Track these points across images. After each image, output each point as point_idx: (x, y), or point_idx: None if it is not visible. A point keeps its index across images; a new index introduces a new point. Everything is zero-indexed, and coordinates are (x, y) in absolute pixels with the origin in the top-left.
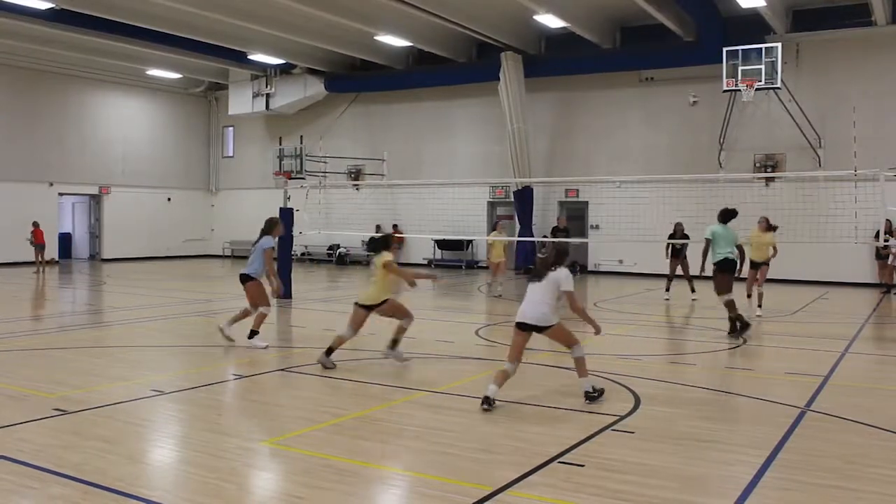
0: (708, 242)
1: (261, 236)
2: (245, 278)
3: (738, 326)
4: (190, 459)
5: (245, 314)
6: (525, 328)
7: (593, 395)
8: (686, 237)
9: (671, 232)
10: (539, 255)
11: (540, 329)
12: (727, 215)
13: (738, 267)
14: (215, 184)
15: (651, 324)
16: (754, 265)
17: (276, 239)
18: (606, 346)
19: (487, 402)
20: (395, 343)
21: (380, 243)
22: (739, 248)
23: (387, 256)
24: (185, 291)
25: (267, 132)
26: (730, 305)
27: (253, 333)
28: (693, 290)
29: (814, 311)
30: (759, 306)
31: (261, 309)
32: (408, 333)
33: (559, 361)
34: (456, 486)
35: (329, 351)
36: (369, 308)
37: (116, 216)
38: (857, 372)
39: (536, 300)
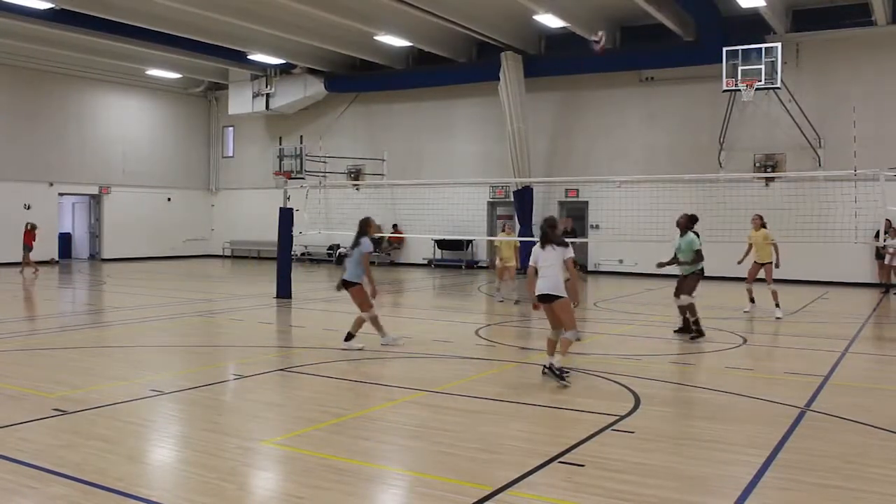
0: (700, 254)
1: (358, 239)
2: (347, 284)
3: (696, 331)
4: (190, 459)
5: (361, 322)
6: (544, 299)
7: (559, 375)
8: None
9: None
10: None
11: (553, 298)
12: (694, 221)
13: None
14: (215, 184)
15: (651, 324)
16: (757, 264)
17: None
18: (606, 346)
19: (546, 368)
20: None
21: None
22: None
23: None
24: (185, 291)
25: (267, 132)
26: (693, 309)
27: (350, 336)
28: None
29: (814, 311)
30: (778, 306)
31: (362, 314)
32: (407, 333)
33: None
34: (456, 486)
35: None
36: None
37: (116, 216)
38: (857, 372)
39: (550, 272)
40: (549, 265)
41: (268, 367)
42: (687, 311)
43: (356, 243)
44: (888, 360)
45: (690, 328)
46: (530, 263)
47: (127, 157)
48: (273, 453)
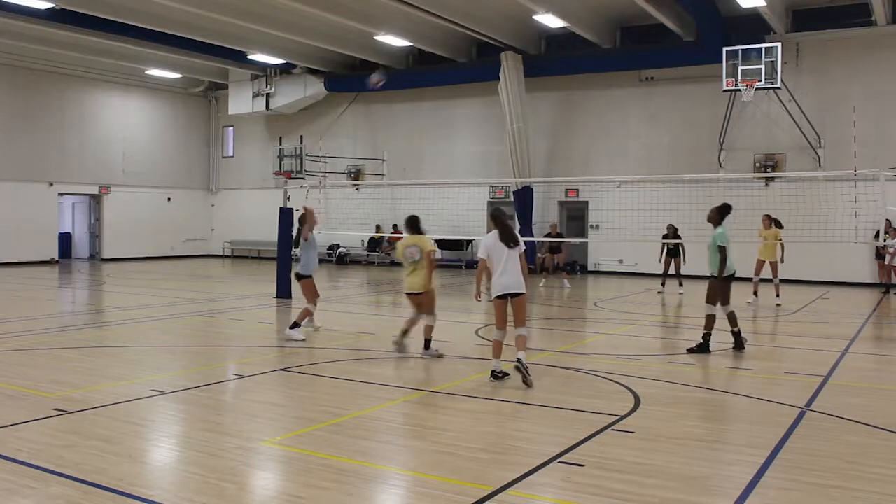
0: (724, 252)
1: (300, 234)
2: (298, 277)
3: (706, 343)
4: (190, 459)
5: (307, 313)
6: (505, 297)
7: (524, 367)
8: (678, 237)
9: (665, 233)
10: (539, 254)
11: (515, 295)
12: (726, 212)
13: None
14: (215, 184)
15: (651, 323)
16: (761, 261)
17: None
18: (606, 346)
19: (494, 376)
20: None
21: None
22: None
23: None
24: (185, 291)
25: (267, 132)
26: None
27: (294, 325)
28: (681, 285)
29: (814, 311)
30: (778, 296)
31: (307, 306)
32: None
33: (558, 361)
34: (456, 486)
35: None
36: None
37: (116, 216)
38: (857, 372)
39: (514, 269)
40: (511, 260)
41: (268, 367)
42: (705, 321)
43: (298, 237)
44: (888, 360)
45: (740, 343)
46: (482, 257)
47: (127, 157)
48: (273, 453)
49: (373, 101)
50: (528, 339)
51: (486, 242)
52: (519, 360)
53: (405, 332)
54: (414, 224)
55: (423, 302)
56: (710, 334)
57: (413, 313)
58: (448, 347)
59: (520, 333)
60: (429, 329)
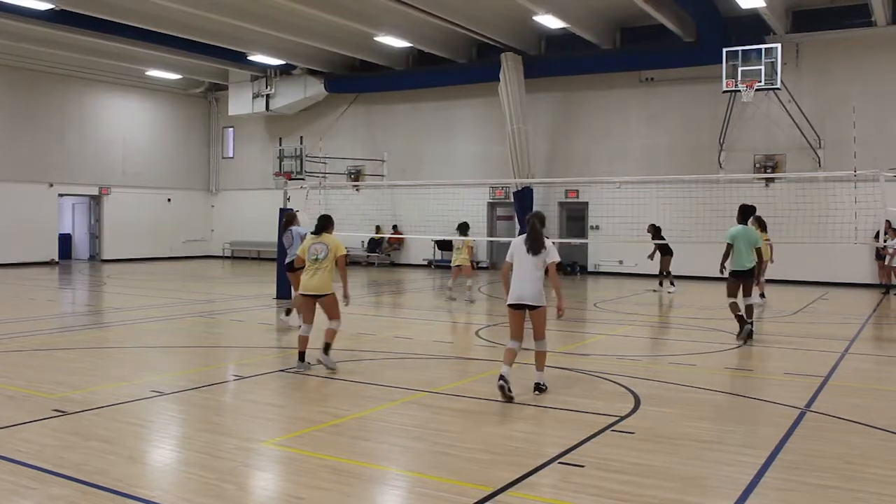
0: (729, 248)
1: (287, 230)
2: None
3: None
4: (190, 459)
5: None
6: (520, 308)
7: (543, 388)
8: (661, 237)
9: (651, 235)
10: None
11: (532, 307)
12: (746, 213)
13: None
14: (215, 184)
15: (651, 324)
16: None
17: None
18: (607, 346)
19: (504, 380)
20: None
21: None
22: (758, 251)
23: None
24: (185, 292)
25: (267, 133)
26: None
27: (288, 311)
28: (672, 284)
29: (814, 311)
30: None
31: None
32: (408, 333)
33: (558, 362)
34: (456, 486)
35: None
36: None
37: (116, 216)
38: (857, 372)
39: (530, 278)
40: (531, 268)
41: (267, 368)
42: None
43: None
44: (888, 360)
45: (743, 332)
46: (507, 259)
47: (127, 158)
48: (273, 454)
49: (373, 102)
50: (545, 356)
51: (513, 243)
52: (536, 385)
53: (302, 356)
54: (323, 223)
55: (326, 306)
56: (740, 319)
57: (304, 328)
58: (448, 348)
59: (538, 349)
60: (331, 334)
